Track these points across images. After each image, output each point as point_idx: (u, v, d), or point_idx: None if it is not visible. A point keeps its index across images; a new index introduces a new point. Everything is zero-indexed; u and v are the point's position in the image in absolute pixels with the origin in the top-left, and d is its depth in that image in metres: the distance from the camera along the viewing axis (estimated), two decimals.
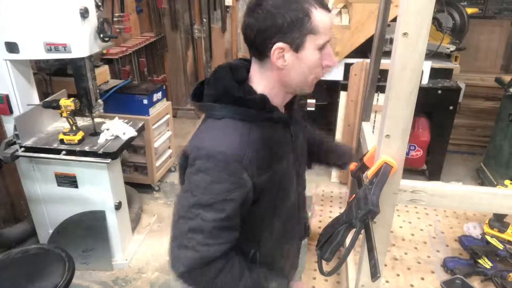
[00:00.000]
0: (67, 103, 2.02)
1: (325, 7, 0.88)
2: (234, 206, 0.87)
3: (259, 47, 0.90)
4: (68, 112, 2.05)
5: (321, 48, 0.89)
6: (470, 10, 3.11)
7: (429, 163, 3.23)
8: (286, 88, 0.96)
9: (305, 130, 1.18)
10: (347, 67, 2.92)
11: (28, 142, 2.11)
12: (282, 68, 0.90)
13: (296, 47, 0.88)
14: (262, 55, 0.91)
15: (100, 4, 2.08)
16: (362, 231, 0.83)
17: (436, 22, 2.98)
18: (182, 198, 0.90)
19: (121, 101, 2.87)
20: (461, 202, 0.88)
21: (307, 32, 0.86)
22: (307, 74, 0.92)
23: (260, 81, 0.95)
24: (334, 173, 3.28)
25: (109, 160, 2.05)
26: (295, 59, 0.89)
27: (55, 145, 2.10)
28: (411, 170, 3.23)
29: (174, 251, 0.90)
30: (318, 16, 0.86)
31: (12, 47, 1.93)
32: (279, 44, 0.87)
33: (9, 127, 2.11)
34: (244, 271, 0.94)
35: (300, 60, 0.89)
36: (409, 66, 0.73)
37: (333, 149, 1.34)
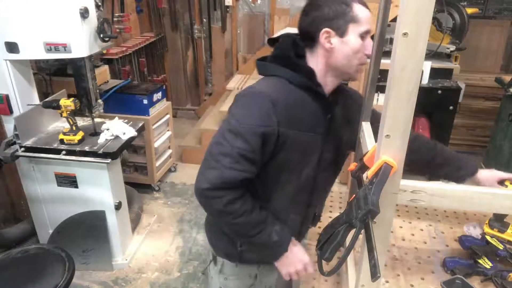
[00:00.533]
0: (67, 103, 2.02)
1: (364, 3, 1.06)
2: (259, 142, 1.01)
3: (311, 33, 1.07)
4: (68, 112, 2.05)
5: (362, 36, 1.04)
6: (470, 10, 3.11)
7: None
8: (333, 71, 1.10)
9: (351, 126, 1.25)
10: None
11: (28, 142, 2.11)
12: (330, 50, 1.06)
13: (341, 33, 1.04)
14: (313, 41, 1.08)
15: (100, 4, 2.08)
16: (362, 231, 0.83)
17: (436, 22, 2.98)
18: (221, 127, 1.05)
19: (121, 101, 2.87)
20: (461, 202, 0.88)
21: (349, 20, 1.03)
22: (351, 57, 1.06)
23: (311, 64, 1.10)
24: None
25: (109, 160, 2.05)
26: (341, 43, 1.05)
27: (55, 145, 2.10)
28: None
29: (202, 170, 1.05)
30: (358, 8, 1.04)
31: (12, 47, 1.93)
32: (327, 29, 1.04)
33: (9, 127, 2.12)
34: (255, 207, 1.08)
35: (345, 44, 1.05)
36: (409, 66, 0.73)
37: (451, 160, 1.35)
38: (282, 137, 1.04)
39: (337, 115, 1.17)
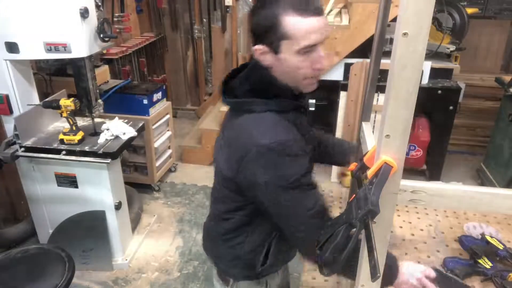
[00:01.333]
0: (67, 103, 2.02)
1: (301, 12, 0.89)
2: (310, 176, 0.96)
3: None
4: (68, 112, 2.05)
5: (302, 52, 0.91)
6: (470, 10, 3.11)
7: (429, 163, 3.23)
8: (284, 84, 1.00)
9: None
10: (347, 67, 2.92)
11: (28, 142, 2.11)
12: (269, 66, 0.97)
13: (275, 50, 0.94)
14: None
15: (100, 4, 2.08)
16: (362, 231, 0.83)
17: (436, 22, 2.98)
18: (274, 197, 0.95)
19: (121, 101, 2.87)
20: (461, 202, 0.88)
21: (280, 37, 0.91)
22: (293, 75, 0.96)
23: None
24: (334, 173, 3.28)
25: (109, 160, 2.05)
26: (276, 61, 0.95)
27: (55, 145, 2.10)
28: (411, 170, 3.23)
29: (301, 242, 1.00)
30: (290, 22, 0.89)
31: (12, 47, 1.93)
32: (257, 46, 0.95)
33: (9, 127, 2.12)
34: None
35: (281, 62, 0.95)
36: (409, 66, 0.73)
37: (337, 146, 1.36)
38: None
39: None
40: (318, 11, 0.90)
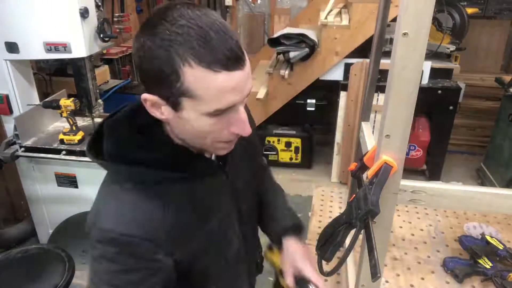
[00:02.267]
0: (67, 103, 2.02)
1: (209, 64, 0.61)
2: None
3: None
4: (68, 112, 2.05)
5: (213, 115, 0.66)
6: (470, 10, 3.11)
7: (429, 163, 3.24)
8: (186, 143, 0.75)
9: (252, 160, 0.98)
10: (347, 67, 2.92)
11: (28, 142, 2.11)
12: (165, 120, 0.71)
13: (173, 105, 0.66)
14: None
15: (100, 4, 2.08)
16: (362, 231, 0.83)
17: (436, 22, 2.99)
18: None
19: (121, 101, 2.85)
20: (461, 202, 0.88)
21: (180, 94, 0.64)
22: (199, 137, 0.71)
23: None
24: (334, 173, 3.28)
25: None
26: (176, 117, 0.68)
27: (55, 145, 2.10)
28: (411, 170, 3.23)
29: None
30: (192, 77, 0.62)
31: (12, 47, 1.93)
32: (145, 95, 0.68)
33: (9, 127, 2.11)
34: None
35: (184, 120, 0.68)
36: (409, 66, 0.73)
37: (274, 216, 1.05)
38: (186, 259, 0.75)
39: (231, 158, 0.85)
40: (235, 61, 0.63)
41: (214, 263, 0.84)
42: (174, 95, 0.65)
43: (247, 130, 0.70)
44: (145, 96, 0.68)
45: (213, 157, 0.83)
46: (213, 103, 0.64)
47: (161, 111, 0.69)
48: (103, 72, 2.96)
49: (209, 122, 0.67)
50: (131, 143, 0.72)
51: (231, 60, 0.62)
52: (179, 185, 0.74)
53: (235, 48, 0.63)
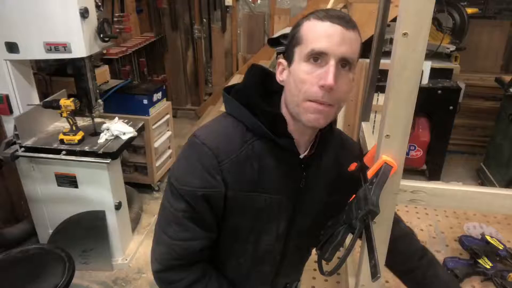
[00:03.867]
0: (67, 103, 2.02)
1: (321, 17, 0.79)
2: (205, 204, 0.83)
3: None
4: (68, 112, 2.05)
5: (309, 59, 0.78)
6: (470, 10, 3.11)
7: (429, 163, 3.23)
8: (290, 114, 0.85)
9: (336, 194, 0.93)
10: None
11: (28, 142, 2.11)
12: (284, 83, 0.85)
13: (290, 61, 0.83)
14: None
15: (100, 4, 2.08)
16: (362, 231, 0.83)
17: (436, 22, 2.99)
18: (167, 181, 0.88)
19: (121, 101, 2.87)
20: (461, 202, 0.88)
21: (295, 43, 0.81)
22: (294, 92, 0.80)
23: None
24: None
25: (109, 160, 2.05)
26: (289, 75, 0.83)
27: (55, 145, 2.10)
28: (411, 170, 3.23)
29: (152, 246, 0.90)
30: (307, 25, 0.80)
31: (12, 47, 1.93)
32: (280, 60, 0.86)
33: (9, 127, 2.12)
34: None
35: (291, 75, 0.82)
36: (409, 66, 0.73)
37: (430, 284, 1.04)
38: (230, 201, 0.84)
39: (315, 169, 0.92)
40: (342, 22, 0.78)
41: (244, 236, 0.90)
42: (292, 46, 0.81)
43: (329, 80, 0.76)
44: (280, 60, 0.85)
45: (301, 155, 0.90)
46: (312, 43, 0.77)
47: (283, 74, 0.84)
48: (103, 72, 2.96)
49: (305, 68, 0.78)
50: (254, 91, 0.86)
51: (337, 18, 0.78)
52: (262, 145, 0.84)
53: (347, 16, 0.79)
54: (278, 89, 0.88)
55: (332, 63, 0.76)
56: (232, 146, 0.83)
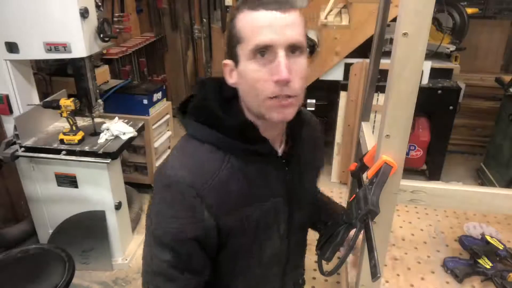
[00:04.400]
0: (67, 103, 2.02)
1: (253, 5, 0.72)
2: (194, 246, 0.77)
3: None
4: (68, 112, 2.05)
5: (255, 56, 0.72)
6: (470, 10, 3.11)
7: (429, 163, 3.23)
8: (254, 115, 0.80)
9: (316, 168, 1.01)
10: (347, 67, 2.92)
11: (28, 142, 2.11)
12: (235, 86, 0.79)
13: (235, 62, 0.76)
14: None
15: (100, 4, 2.08)
16: (362, 231, 0.83)
17: (436, 22, 2.98)
18: (146, 225, 0.82)
19: (121, 101, 2.87)
20: (461, 202, 0.88)
21: (235, 42, 0.74)
22: (251, 93, 0.75)
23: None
24: (334, 173, 3.28)
25: (109, 160, 2.05)
26: (238, 76, 0.77)
27: (55, 145, 2.10)
28: (411, 170, 3.23)
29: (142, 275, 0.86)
30: (241, 19, 0.73)
31: (12, 47, 1.93)
32: (224, 61, 0.79)
33: (9, 127, 2.12)
34: None
35: (240, 76, 0.76)
36: (409, 66, 0.73)
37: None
38: (225, 228, 0.79)
39: (296, 162, 0.89)
40: (277, 5, 0.71)
41: (247, 250, 0.86)
42: (234, 47, 0.74)
43: (283, 74, 0.70)
44: (225, 61, 0.78)
45: (279, 153, 0.86)
46: (253, 39, 0.71)
47: (232, 75, 0.78)
48: (103, 72, 2.96)
49: (254, 67, 0.72)
50: (214, 102, 0.80)
51: (271, 3, 0.71)
52: (238, 157, 0.79)
53: None
54: (235, 94, 0.81)
55: (281, 54, 0.71)
56: (208, 172, 0.76)
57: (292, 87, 0.73)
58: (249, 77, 0.73)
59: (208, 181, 0.76)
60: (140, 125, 2.37)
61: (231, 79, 0.79)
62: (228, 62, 0.78)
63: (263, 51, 0.71)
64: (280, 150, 0.87)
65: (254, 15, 0.71)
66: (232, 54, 0.76)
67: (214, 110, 0.79)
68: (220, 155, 0.78)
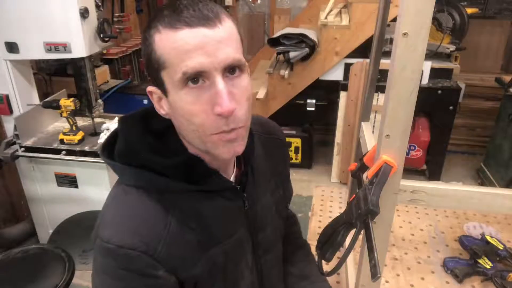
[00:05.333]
0: (67, 103, 2.02)
1: (174, 24, 0.59)
2: None
3: None
4: (68, 112, 2.05)
5: (186, 84, 0.60)
6: (470, 10, 3.11)
7: (429, 163, 3.24)
8: (196, 147, 0.68)
9: (278, 174, 0.89)
10: (347, 67, 2.92)
11: (28, 142, 2.11)
12: (168, 117, 0.68)
13: (163, 91, 0.64)
14: None
15: (100, 4, 2.08)
16: (362, 231, 0.83)
17: (436, 22, 2.98)
18: None
19: (121, 101, 2.87)
20: (461, 202, 0.88)
21: (158, 68, 0.62)
22: (189, 128, 0.64)
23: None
24: (334, 173, 3.28)
25: None
26: (170, 107, 0.65)
27: (55, 145, 2.10)
28: (411, 170, 3.23)
29: None
30: (160, 40, 0.60)
31: (12, 47, 1.93)
32: (148, 88, 0.67)
33: (9, 127, 2.11)
34: None
35: (172, 108, 0.64)
36: (409, 66, 0.73)
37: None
38: (189, 280, 0.69)
39: (251, 183, 0.79)
40: (202, 21, 0.59)
41: None
42: (157, 72, 0.62)
43: (224, 105, 0.59)
44: (149, 88, 0.67)
45: (231, 179, 0.76)
46: (180, 65, 0.59)
47: (162, 105, 0.67)
48: (103, 72, 2.96)
49: (188, 99, 0.60)
50: (142, 144, 0.67)
51: (195, 18, 0.58)
52: (187, 199, 0.68)
53: (203, 8, 0.59)
54: (168, 124, 0.69)
55: (218, 80, 0.60)
56: (158, 229, 0.65)
57: (238, 117, 0.62)
58: (184, 111, 0.62)
59: (160, 240, 0.64)
60: None
61: (162, 110, 0.67)
62: (154, 89, 0.66)
63: (195, 78, 0.60)
64: (232, 177, 0.77)
65: (176, 36, 0.58)
66: (157, 82, 0.64)
67: (142, 154, 0.66)
68: (164, 205, 0.66)
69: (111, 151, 0.71)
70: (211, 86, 0.60)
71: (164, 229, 0.65)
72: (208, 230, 0.70)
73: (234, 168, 0.78)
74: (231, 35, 0.62)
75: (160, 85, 0.64)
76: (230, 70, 0.62)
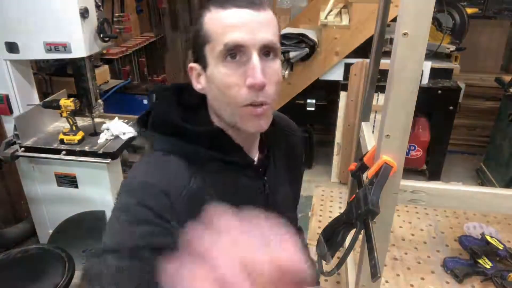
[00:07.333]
0: (67, 103, 2.02)
1: (222, 3, 0.67)
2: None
3: None
4: (68, 112, 2.05)
5: (225, 59, 0.66)
6: (470, 10, 3.11)
7: (429, 163, 3.24)
8: (224, 122, 0.73)
9: (297, 178, 0.95)
10: (347, 67, 2.92)
11: (28, 142, 2.11)
12: (204, 93, 0.73)
13: (203, 65, 0.70)
14: None
15: (100, 4, 2.08)
16: (362, 231, 0.83)
17: (436, 22, 2.98)
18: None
19: (121, 101, 2.87)
20: (461, 202, 0.88)
21: (202, 42, 0.68)
22: (222, 99, 0.69)
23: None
24: (334, 173, 3.28)
25: (109, 160, 2.05)
26: (207, 81, 0.71)
27: (55, 145, 2.10)
28: (411, 170, 3.23)
29: None
30: (209, 18, 0.68)
31: (12, 47, 1.93)
32: (190, 64, 0.73)
33: (9, 127, 2.11)
34: None
35: (209, 81, 0.70)
36: (409, 66, 0.73)
37: None
38: None
39: (273, 171, 0.82)
40: (248, 3, 0.66)
41: None
42: (201, 47, 0.69)
43: (257, 77, 0.64)
44: (190, 64, 0.73)
45: (255, 161, 0.79)
46: (222, 38, 0.65)
47: (200, 80, 0.72)
48: (103, 72, 2.96)
49: (224, 71, 0.66)
50: (175, 114, 0.72)
51: (243, 1, 0.66)
52: (211, 169, 0.71)
53: None
54: (199, 101, 0.75)
55: (254, 56, 0.65)
56: (178, 180, 0.68)
57: (267, 92, 0.67)
58: (220, 83, 0.67)
59: (180, 192, 0.67)
60: None
61: (199, 85, 0.73)
62: (195, 65, 0.72)
63: (234, 53, 0.65)
64: (255, 158, 0.80)
65: (223, 13, 0.66)
66: (199, 57, 0.70)
67: (176, 122, 0.71)
68: (189, 169, 0.70)
69: (144, 124, 0.75)
70: (247, 61, 0.66)
71: (185, 187, 0.68)
72: (225, 201, 0.70)
73: (256, 152, 0.81)
74: (272, 21, 0.69)
75: (202, 60, 0.70)
76: (266, 52, 0.67)
